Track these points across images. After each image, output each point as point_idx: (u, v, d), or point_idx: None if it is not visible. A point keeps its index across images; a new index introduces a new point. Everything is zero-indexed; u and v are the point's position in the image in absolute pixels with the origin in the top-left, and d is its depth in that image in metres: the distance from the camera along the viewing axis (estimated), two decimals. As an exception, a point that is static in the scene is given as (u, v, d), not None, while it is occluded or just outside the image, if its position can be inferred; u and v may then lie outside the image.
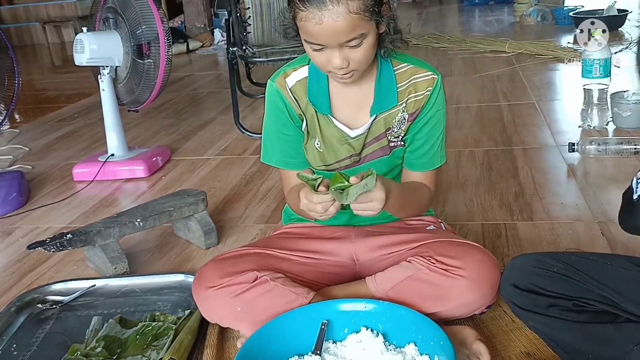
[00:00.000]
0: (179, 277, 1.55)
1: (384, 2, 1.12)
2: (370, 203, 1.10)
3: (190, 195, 1.81)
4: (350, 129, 1.27)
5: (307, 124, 1.29)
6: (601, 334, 1.05)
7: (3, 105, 2.66)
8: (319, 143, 1.29)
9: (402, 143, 1.30)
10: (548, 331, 1.11)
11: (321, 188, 1.08)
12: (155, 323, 1.34)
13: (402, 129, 1.28)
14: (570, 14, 4.67)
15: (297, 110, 1.28)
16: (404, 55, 1.27)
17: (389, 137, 1.28)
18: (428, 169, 1.32)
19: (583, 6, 5.10)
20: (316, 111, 1.27)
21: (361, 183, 1.06)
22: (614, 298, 1.03)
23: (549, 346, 1.15)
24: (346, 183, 1.06)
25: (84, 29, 2.39)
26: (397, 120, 1.27)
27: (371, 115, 1.26)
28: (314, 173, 1.31)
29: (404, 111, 1.26)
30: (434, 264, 1.20)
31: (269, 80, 1.30)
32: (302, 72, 1.28)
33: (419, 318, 1.13)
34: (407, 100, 1.26)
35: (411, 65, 1.26)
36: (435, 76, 1.26)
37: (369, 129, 1.27)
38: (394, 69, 1.26)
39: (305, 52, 1.27)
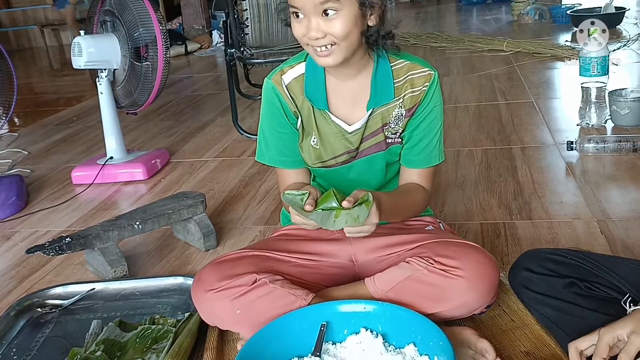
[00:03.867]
0: (179, 280, 1.55)
1: None
2: (364, 227, 1.10)
3: (189, 197, 1.81)
4: (347, 124, 1.27)
5: (302, 121, 1.29)
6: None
7: (2, 109, 2.66)
8: (315, 140, 1.29)
9: (400, 140, 1.30)
10: (559, 317, 1.13)
11: (307, 207, 1.06)
12: (155, 326, 1.34)
13: (400, 125, 1.28)
14: (568, 12, 4.68)
15: (292, 108, 1.28)
16: (401, 53, 1.27)
17: (386, 133, 1.28)
18: (425, 166, 1.32)
19: (581, 4, 5.11)
20: (313, 107, 1.27)
21: (353, 212, 1.04)
22: (622, 285, 1.08)
23: (555, 337, 1.16)
24: (334, 205, 1.04)
25: (82, 32, 2.40)
26: (394, 115, 1.27)
27: (367, 110, 1.26)
28: (310, 171, 1.31)
29: (401, 107, 1.26)
30: (433, 264, 1.20)
31: (265, 78, 1.30)
32: (299, 69, 1.28)
33: (418, 319, 1.12)
34: (404, 96, 1.26)
35: (408, 62, 1.27)
36: (432, 72, 1.26)
37: (366, 124, 1.27)
38: (391, 64, 1.26)
39: (302, 50, 1.28)
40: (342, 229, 1.10)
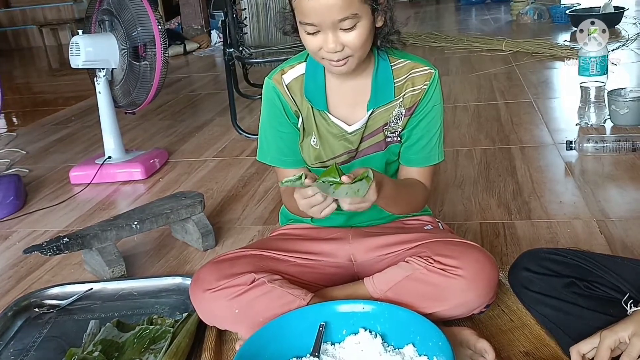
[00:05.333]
0: (177, 280, 1.54)
1: None
2: (362, 204, 1.09)
3: (188, 197, 1.81)
4: (347, 124, 1.27)
5: (302, 120, 1.29)
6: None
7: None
8: (315, 140, 1.29)
9: (399, 139, 1.29)
10: (559, 318, 1.13)
11: (307, 181, 1.05)
12: (153, 326, 1.34)
13: (399, 124, 1.27)
14: (567, 12, 4.68)
15: (293, 107, 1.28)
16: (402, 53, 1.27)
17: (386, 133, 1.28)
18: (425, 165, 1.31)
19: (579, 4, 5.11)
20: (312, 107, 1.27)
21: (354, 186, 1.04)
22: (622, 285, 1.08)
23: (555, 338, 1.16)
24: (338, 179, 1.04)
25: (80, 31, 2.39)
26: (394, 115, 1.26)
27: (368, 110, 1.25)
28: (310, 171, 1.31)
29: (401, 106, 1.26)
30: (432, 263, 1.20)
31: (265, 77, 1.30)
32: (299, 69, 1.28)
33: (418, 319, 1.12)
34: (404, 95, 1.25)
35: (409, 61, 1.26)
36: (433, 71, 1.26)
37: (366, 124, 1.27)
38: (392, 64, 1.25)
39: (301, 51, 1.27)
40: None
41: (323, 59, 1.15)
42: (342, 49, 1.11)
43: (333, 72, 1.20)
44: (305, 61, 1.27)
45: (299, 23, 1.14)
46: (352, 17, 1.08)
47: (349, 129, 1.27)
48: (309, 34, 1.12)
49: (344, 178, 1.04)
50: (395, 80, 1.25)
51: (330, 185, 1.04)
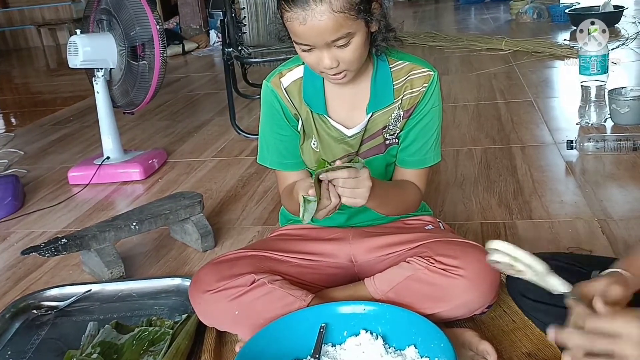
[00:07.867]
0: (176, 281, 1.53)
1: (373, 0, 1.11)
2: (357, 190, 1.07)
3: (187, 197, 1.80)
4: (346, 128, 1.26)
5: (302, 123, 1.28)
6: None
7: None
8: (315, 143, 1.28)
9: (397, 141, 1.29)
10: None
11: (310, 191, 1.06)
12: (152, 328, 1.33)
13: (398, 126, 1.27)
14: (567, 11, 4.68)
15: (292, 110, 1.27)
16: (401, 53, 1.26)
17: (385, 135, 1.27)
18: (419, 167, 1.30)
19: (579, 3, 5.10)
20: (311, 111, 1.26)
21: (346, 165, 1.05)
22: None
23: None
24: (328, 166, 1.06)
25: (78, 31, 2.38)
26: (393, 117, 1.26)
27: (367, 114, 1.24)
28: (311, 175, 1.30)
29: (399, 108, 1.25)
30: (433, 264, 1.19)
31: (264, 81, 1.29)
32: (298, 72, 1.27)
33: (419, 320, 1.11)
34: (402, 97, 1.25)
35: (408, 62, 1.25)
36: (432, 73, 1.25)
37: (366, 127, 1.26)
38: (391, 66, 1.24)
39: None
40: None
41: (321, 72, 1.15)
42: (337, 64, 1.11)
43: (332, 83, 1.20)
44: (303, 64, 1.26)
45: (293, 41, 1.13)
46: (346, 36, 1.08)
47: (349, 133, 1.26)
48: (304, 51, 1.12)
49: (337, 162, 1.05)
50: (394, 83, 1.24)
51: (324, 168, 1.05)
